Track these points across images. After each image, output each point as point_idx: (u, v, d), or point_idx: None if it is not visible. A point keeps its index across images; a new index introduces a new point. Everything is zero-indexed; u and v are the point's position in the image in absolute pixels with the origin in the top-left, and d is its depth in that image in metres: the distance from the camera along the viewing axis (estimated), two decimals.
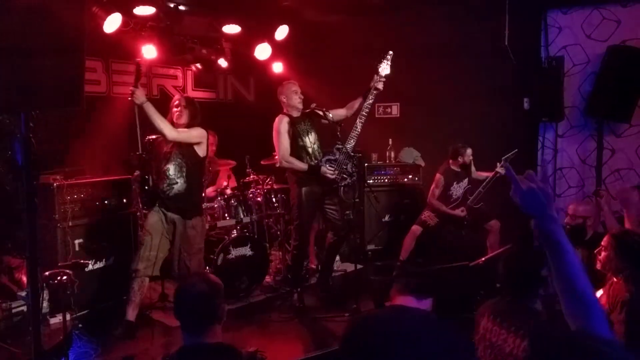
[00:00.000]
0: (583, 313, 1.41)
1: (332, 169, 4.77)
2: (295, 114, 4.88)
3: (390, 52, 4.95)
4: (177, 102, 4.36)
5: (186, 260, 4.43)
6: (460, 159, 5.76)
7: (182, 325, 2.25)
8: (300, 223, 4.89)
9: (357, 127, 4.80)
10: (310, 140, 4.90)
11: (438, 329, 2.10)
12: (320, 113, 4.82)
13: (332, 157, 4.81)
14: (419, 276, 2.24)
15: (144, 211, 4.83)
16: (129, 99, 4.04)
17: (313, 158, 4.86)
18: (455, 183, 5.82)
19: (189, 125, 4.34)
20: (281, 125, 4.80)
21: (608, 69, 5.51)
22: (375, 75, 4.92)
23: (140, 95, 4.02)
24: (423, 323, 2.13)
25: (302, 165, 4.77)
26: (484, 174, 5.84)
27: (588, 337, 1.21)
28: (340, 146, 4.78)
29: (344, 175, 4.86)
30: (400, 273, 2.40)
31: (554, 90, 5.82)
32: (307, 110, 4.92)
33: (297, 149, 4.82)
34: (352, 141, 4.82)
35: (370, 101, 4.90)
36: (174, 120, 4.29)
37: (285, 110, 4.91)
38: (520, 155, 6.15)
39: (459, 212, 5.73)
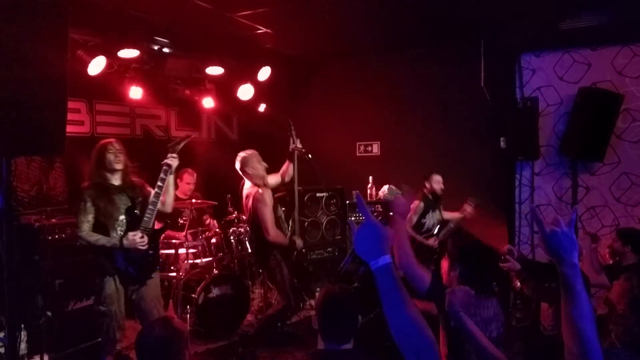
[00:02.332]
0: (582, 354, 1.46)
1: (300, 240, 4.95)
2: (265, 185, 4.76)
3: (291, 123, 4.94)
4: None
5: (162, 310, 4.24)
6: (427, 184, 5.81)
7: None
8: (284, 287, 4.75)
9: (292, 177, 4.93)
10: (280, 207, 4.95)
11: None
12: (305, 157, 4.90)
13: (291, 231, 4.91)
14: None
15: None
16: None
17: (284, 226, 4.92)
18: (430, 211, 5.84)
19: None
20: (267, 197, 4.64)
21: (580, 110, 5.70)
22: (292, 142, 4.91)
23: None
24: None
25: (285, 241, 4.73)
26: (450, 214, 5.92)
27: None
28: (284, 209, 4.96)
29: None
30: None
31: (529, 129, 5.98)
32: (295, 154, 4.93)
33: (277, 220, 4.77)
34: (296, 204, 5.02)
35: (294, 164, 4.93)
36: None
37: (253, 183, 4.72)
38: (498, 192, 6.31)
39: (432, 241, 5.75)
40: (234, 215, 6.00)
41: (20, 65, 3.09)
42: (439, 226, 5.89)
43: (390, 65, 6.88)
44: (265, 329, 4.87)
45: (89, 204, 3.87)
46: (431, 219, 5.89)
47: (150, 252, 4.01)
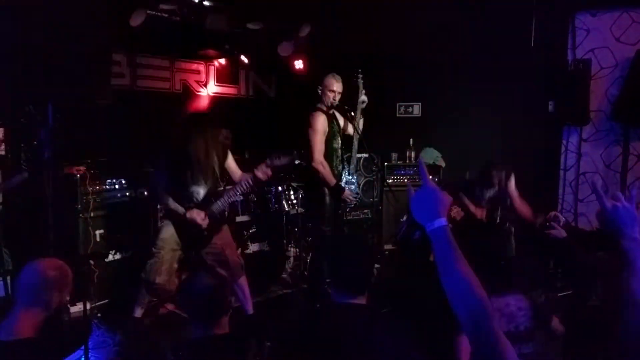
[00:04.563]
0: None
1: (353, 193, 4.67)
2: (327, 110, 4.60)
3: (360, 71, 4.78)
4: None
5: (234, 256, 4.26)
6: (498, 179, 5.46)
7: (193, 317, 2.30)
8: (321, 225, 4.61)
9: (355, 146, 4.67)
10: (339, 143, 4.68)
11: (381, 323, 2.08)
12: (347, 115, 4.67)
13: (342, 184, 4.64)
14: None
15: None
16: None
17: (340, 163, 4.67)
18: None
19: None
20: (318, 122, 4.48)
21: (636, 73, 5.39)
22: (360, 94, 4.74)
23: None
24: (366, 318, 2.09)
25: (331, 179, 4.49)
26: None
27: None
28: (347, 168, 4.71)
29: (355, 197, 4.80)
30: None
31: (580, 93, 5.71)
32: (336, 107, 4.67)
33: (330, 151, 4.56)
34: (354, 161, 4.73)
35: (360, 118, 4.75)
36: None
37: (319, 104, 4.62)
38: (543, 158, 6.10)
39: (480, 212, 5.28)
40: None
41: (65, 14, 3.07)
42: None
43: (433, 22, 6.59)
44: (316, 277, 4.80)
45: (165, 169, 3.95)
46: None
47: (205, 233, 4.01)
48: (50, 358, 2.28)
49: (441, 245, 1.43)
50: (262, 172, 3.85)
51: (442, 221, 1.45)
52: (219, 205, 3.99)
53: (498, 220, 5.45)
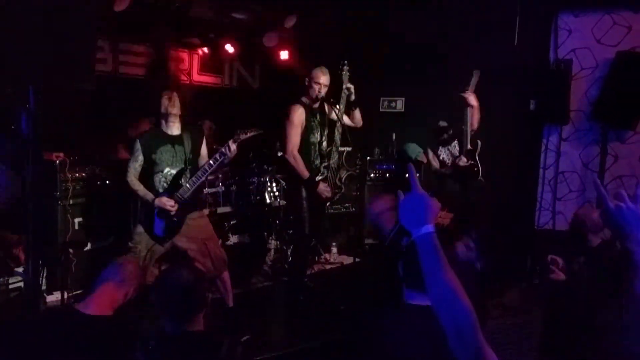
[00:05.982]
0: None
1: (328, 188, 4.63)
2: (311, 103, 4.57)
3: (345, 62, 4.73)
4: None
5: (217, 250, 4.20)
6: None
7: (166, 314, 2.19)
8: (300, 217, 4.62)
9: (337, 142, 4.64)
10: (322, 137, 4.64)
11: None
12: (327, 108, 4.68)
13: (322, 177, 4.62)
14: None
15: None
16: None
17: (320, 158, 4.63)
18: (441, 147, 5.42)
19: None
20: (295, 116, 4.46)
21: (616, 75, 5.49)
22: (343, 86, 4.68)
23: None
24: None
25: (303, 171, 4.48)
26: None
27: None
28: (326, 164, 4.67)
29: (335, 191, 4.79)
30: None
31: (560, 93, 5.79)
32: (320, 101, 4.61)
33: (307, 144, 4.53)
34: (335, 155, 4.70)
35: (342, 109, 4.68)
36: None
37: (302, 97, 4.59)
38: (523, 156, 6.17)
39: (462, 161, 5.15)
40: (254, 165, 5.94)
41: None
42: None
43: (418, 18, 6.62)
44: (296, 269, 4.83)
45: (139, 152, 3.85)
46: (445, 152, 5.44)
47: (175, 219, 3.92)
48: (121, 341, 2.41)
49: (427, 253, 1.42)
50: (228, 147, 3.79)
51: (429, 227, 1.44)
52: (186, 187, 3.88)
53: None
